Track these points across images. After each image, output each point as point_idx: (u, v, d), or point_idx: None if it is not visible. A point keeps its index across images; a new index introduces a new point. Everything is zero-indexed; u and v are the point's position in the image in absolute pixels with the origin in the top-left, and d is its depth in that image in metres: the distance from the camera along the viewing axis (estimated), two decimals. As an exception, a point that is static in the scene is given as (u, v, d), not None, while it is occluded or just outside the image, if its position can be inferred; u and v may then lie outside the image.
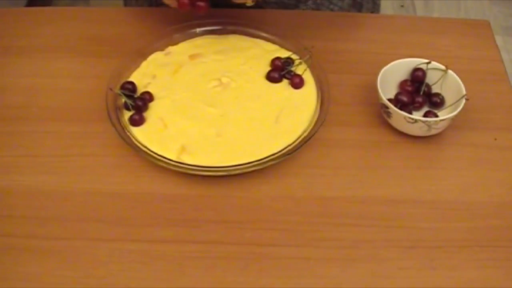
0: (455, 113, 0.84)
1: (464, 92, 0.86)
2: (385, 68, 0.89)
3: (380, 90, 0.86)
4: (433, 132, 0.86)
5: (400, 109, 0.85)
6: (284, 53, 0.94)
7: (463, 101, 0.85)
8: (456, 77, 0.88)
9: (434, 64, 0.90)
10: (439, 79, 0.90)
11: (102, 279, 0.74)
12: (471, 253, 0.76)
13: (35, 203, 0.81)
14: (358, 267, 0.75)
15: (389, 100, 0.86)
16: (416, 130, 0.86)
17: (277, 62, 0.92)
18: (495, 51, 1.01)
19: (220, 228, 0.78)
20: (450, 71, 0.89)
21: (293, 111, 0.87)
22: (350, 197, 0.81)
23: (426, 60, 0.90)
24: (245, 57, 0.95)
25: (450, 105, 0.88)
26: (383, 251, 0.77)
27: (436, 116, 0.87)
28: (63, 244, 0.77)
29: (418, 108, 0.89)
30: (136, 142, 0.83)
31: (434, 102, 0.89)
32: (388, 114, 0.87)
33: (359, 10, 1.10)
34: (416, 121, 0.84)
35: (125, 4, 1.17)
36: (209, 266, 0.75)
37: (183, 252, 0.76)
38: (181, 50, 0.96)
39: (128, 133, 0.84)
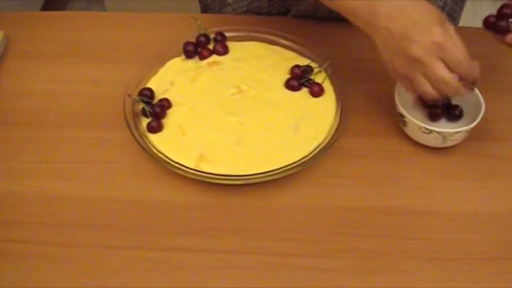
0: (471, 126, 0.83)
1: (483, 107, 0.84)
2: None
3: (397, 99, 0.85)
4: (449, 144, 0.85)
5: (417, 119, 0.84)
6: (303, 61, 0.94)
7: (481, 114, 0.84)
8: (476, 90, 0.87)
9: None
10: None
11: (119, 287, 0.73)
12: (492, 266, 0.75)
13: (52, 210, 0.81)
14: (377, 279, 0.74)
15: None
16: (431, 140, 0.85)
17: (296, 70, 0.92)
18: (515, 61, 1.00)
19: (239, 237, 0.78)
20: None
21: (312, 120, 0.87)
22: (370, 207, 0.81)
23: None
24: (264, 64, 0.94)
25: (469, 118, 0.86)
26: (403, 262, 0.76)
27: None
28: (80, 251, 0.76)
29: (436, 119, 0.88)
30: (154, 150, 0.83)
31: (453, 114, 0.88)
32: (404, 123, 0.86)
33: None
34: (431, 131, 0.83)
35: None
36: (227, 276, 0.74)
37: (201, 261, 0.75)
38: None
39: (146, 140, 0.84)
